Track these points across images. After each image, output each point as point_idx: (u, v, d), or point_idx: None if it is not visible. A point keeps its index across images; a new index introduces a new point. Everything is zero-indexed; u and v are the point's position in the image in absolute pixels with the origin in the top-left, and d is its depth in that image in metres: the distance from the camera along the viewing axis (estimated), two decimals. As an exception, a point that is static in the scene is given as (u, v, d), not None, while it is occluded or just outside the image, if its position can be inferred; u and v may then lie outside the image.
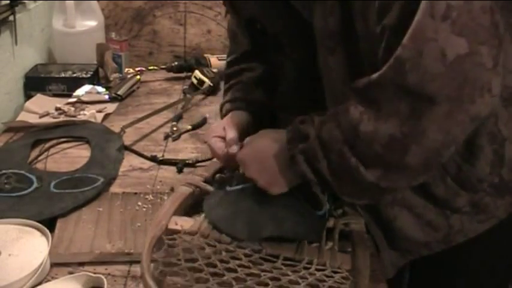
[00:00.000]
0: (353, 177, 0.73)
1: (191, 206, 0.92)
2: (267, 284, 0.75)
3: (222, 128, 0.96)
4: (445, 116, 0.66)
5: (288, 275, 0.77)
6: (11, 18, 1.39)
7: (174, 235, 0.82)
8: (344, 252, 0.83)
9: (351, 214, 0.91)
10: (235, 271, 0.77)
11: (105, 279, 0.80)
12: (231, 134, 0.94)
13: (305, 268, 0.79)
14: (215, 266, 0.77)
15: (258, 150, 0.84)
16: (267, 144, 0.83)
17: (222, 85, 1.60)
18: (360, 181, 0.73)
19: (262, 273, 0.77)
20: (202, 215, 0.88)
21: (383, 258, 0.92)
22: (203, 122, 1.38)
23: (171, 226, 0.84)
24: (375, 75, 0.70)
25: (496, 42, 0.66)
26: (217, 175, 0.98)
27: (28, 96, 1.48)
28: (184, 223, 0.85)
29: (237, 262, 0.78)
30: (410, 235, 0.90)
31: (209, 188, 0.94)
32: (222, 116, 1.03)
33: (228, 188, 0.89)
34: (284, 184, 0.82)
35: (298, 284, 0.75)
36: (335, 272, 0.79)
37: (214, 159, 1.03)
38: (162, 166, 1.16)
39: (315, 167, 0.75)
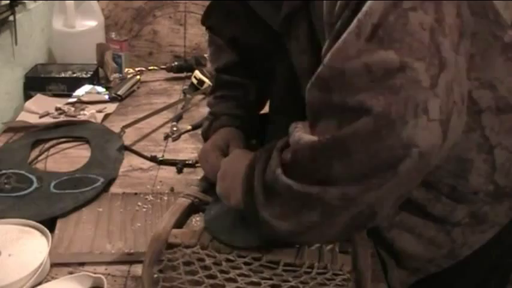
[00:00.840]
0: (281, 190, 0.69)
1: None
2: None
3: (224, 145, 0.97)
4: (371, 137, 0.58)
5: (288, 281, 0.77)
6: (11, 18, 1.39)
7: (174, 248, 0.83)
8: (345, 252, 0.83)
9: None
10: (236, 281, 0.77)
11: (105, 279, 0.80)
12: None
13: (306, 273, 0.79)
14: (215, 277, 0.77)
15: (224, 173, 0.84)
16: (241, 155, 0.84)
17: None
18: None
19: (263, 281, 0.77)
20: (202, 226, 0.88)
21: (391, 278, 0.90)
22: (203, 122, 1.38)
23: (171, 240, 0.84)
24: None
25: (436, 62, 0.59)
26: None
27: (28, 96, 1.48)
28: (183, 236, 0.85)
29: (237, 272, 0.78)
30: (414, 254, 0.89)
31: (208, 198, 0.95)
32: (213, 123, 1.04)
33: None
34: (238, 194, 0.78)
35: None
36: (336, 275, 0.79)
37: None
38: (162, 166, 1.16)
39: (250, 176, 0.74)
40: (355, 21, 0.60)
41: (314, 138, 0.63)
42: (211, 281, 0.77)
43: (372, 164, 0.59)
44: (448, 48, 0.60)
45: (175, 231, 0.86)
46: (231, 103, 1.04)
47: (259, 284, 0.76)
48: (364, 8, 0.60)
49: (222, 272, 0.78)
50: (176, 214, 0.90)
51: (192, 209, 0.94)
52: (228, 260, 0.81)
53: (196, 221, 0.93)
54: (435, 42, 0.59)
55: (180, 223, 0.91)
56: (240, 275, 0.78)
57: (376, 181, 0.60)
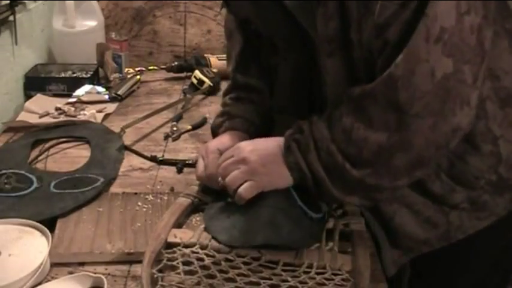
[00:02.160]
0: (340, 173, 0.78)
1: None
2: None
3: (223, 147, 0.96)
4: (430, 129, 0.74)
5: (287, 281, 0.77)
6: (11, 18, 1.39)
7: (174, 248, 0.83)
8: (344, 252, 0.83)
9: (351, 214, 0.91)
10: (235, 281, 0.77)
11: (105, 279, 0.80)
12: None
13: (305, 272, 0.79)
14: (214, 277, 0.78)
15: (259, 148, 0.85)
16: (268, 143, 0.86)
17: (222, 85, 1.62)
18: (346, 177, 0.78)
19: (262, 281, 0.77)
20: (201, 226, 0.88)
21: (384, 257, 0.92)
22: (203, 122, 1.38)
23: (170, 239, 0.84)
24: (368, 86, 0.75)
25: (479, 60, 0.73)
26: None
27: (28, 96, 1.48)
28: (183, 235, 0.85)
29: (236, 271, 0.78)
30: (410, 232, 0.91)
31: (208, 198, 0.95)
32: (226, 122, 1.03)
33: (229, 199, 0.89)
34: (286, 176, 0.83)
35: None
36: (335, 275, 0.79)
37: None
38: (162, 166, 1.16)
39: (307, 158, 0.80)
40: (423, 23, 0.70)
41: (382, 137, 0.75)
42: (210, 281, 0.77)
43: (429, 149, 0.76)
44: (489, 38, 0.74)
45: (174, 230, 0.86)
46: (249, 106, 1.04)
47: (258, 283, 0.77)
48: (430, 11, 0.70)
49: (221, 271, 0.78)
50: (176, 214, 0.90)
51: (192, 208, 0.94)
52: (227, 260, 0.81)
53: (197, 221, 0.93)
54: (480, 42, 0.73)
55: (179, 223, 0.91)
56: (239, 274, 0.78)
57: (429, 158, 0.77)
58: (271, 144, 0.85)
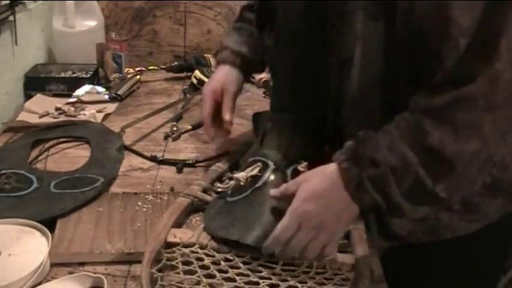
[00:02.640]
0: (427, 197, 0.73)
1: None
2: None
3: (220, 89, 1.04)
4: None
5: (287, 281, 0.77)
6: (11, 18, 1.39)
7: (173, 248, 0.83)
8: (344, 252, 0.83)
9: None
10: (234, 280, 0.77)
11: (105, 279, 0.80)
12: (228, 102, 1.05)
13: (304, 272, 0.79)
14: (214, 277, 0.78)
15: (314, 190, 0.77)
16: (320, 181, 0.78)
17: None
18: (430, 197, 0.73)
19: (261, 281, 0.77)
20: (201, 226, 0.88)
21: (373, 241, 0.90)
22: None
23: (170, 239, 0.84)
24: (462, 91, 0.69)
25: None
26: (216, 184, 0.99)
27: (28, 96, 1.48)
28: (182, 235, 0.85)
29: (236, 271, 0.78)
30: (397, 221, 0.89)
31: (207, 197, 0.95)
32: (218, 53, 1.08)
33: (229, 199, 0.90)
34: (353, 213, 0.77)
35: None
36: (335, 274, 0.79)
37: (213, 167, 1.04)
38: (162, 166, 1.16)
39: (385, 192, 0.73)
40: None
41: (478, 145, 0.70)
42: (210, 280, 0.77)
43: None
44: None
45: (174, 230, 0.86)
46: (241, 37, 1.07)
47: (257, 283, 0.77)
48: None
49: (220, 271, 0.79)
50: (175, 214, 0.90)
51: (192, 208, 0.94)
52: (226, 260, 0.81)
53: (196, 221, 0.93)
54: None
55: (179, 223, 0.91)
56: (238, 274, 0.78)
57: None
58: (333, 188, 0.76)
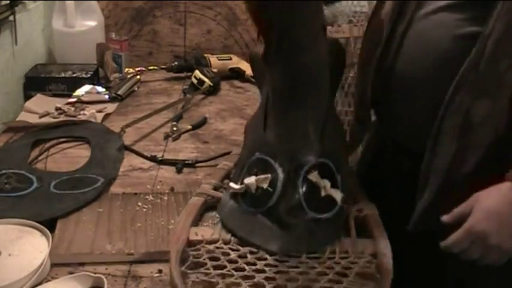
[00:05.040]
0: None
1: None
2: (297, 280, 0.76)
3: None
4: None
5: (315, 267, 0.79)
6: (11, 18, 1.39)
7: (198, 246, 0.83)
8: (362, 237, 0.85)
9: (362, 199, 0.93)
10: (264, 271, 0.78)
11: (105, 279, 0.80)
12: None
13: (329, 258, 0.81)
14: (243, 270, 0.78)
15: (488, 211, 0.79)
16: (494, 201, 0.79)
17: (222, 85, 1.62)
18: None
19: (290, 270, 0.78)
20: (219, 224, 0.89)
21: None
22: (203, 122, 1.38)
23: (193, 237, 0.84)
24: None
25: None
26: (226, 181, 0.98)
27: (28, 96, 1.48)
28: (204, 232, 0.86)
29: (264, 262, 0.79)
30: None
31: (220, 194, 0.95)
32: None
33: (244, 206, 0.88)
34: None
35: (327, 274, 0.77)
36: (359, 258, 0.81)
37: (220, 166, 1.03)
38: (162, 166, 1.16)
39: None
40: None
41: None
42: (241, 273, 0.77)
43: None
44: None
45: (194, 229, 0.87)
46: None
47: (287, 272, 0.78)
48: None
49: (248, 264, 0.79)
50: (192, 213, 0.90)
51: (206, 206, 0.94)
52: (251, 252, 0.81)
53: (213, 218, 0.93)
54: None
55: (196, 222, 0.91)
56: (266, 265, 0.79)
57: None
58: (508, 208, 0.78)
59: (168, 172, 1.14)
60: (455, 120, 0.82)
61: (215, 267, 0.78)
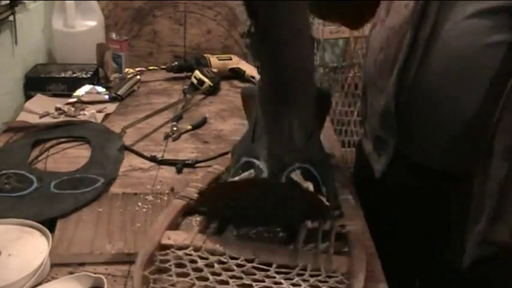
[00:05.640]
0: None
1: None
2: None
3: None
4: None
5: (280, 284, 0.76)
6: (11, 18, 1.39)
7: (167, 250, 0.82)
8: (340, 254, 0.83)
9: (349, 215, 0.90)
10: (227, 283, 0.76)
11: (105, 279, 0.80)
12: None
13: (298, 275, 0.78)
14: (207, 279, 0.77)
15: None
16: None
17: (222, 85, 1.62)
18: None
19: (255, 284, 0.76)
20: (196, 228, 0.88)
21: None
22: (203, 122, 1.38)
23: (164, 241, 0.84)
24: None
25: None
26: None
27: (28, 96, 1.48)
28: (177, 237, 0.85)
29: (229, 274, 0.77)
30: None
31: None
32: None
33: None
34: None
35: None
36: (329, 277, 0.78)
37: (210, 169, 1.03)
38: (162, 166, 1.16)
39: None
40: None
41: None
42: (203, 283, 0.76)
43: None
44: None
45: (168, 232, 0.86)
46: None
47: (250, 286, 0.76)
48: None
49: (213, 274, 0.78)
50: (170, 215, 0.89)
51: (187, 210, 0.94)
52: (220, 262, 0.80)
53: (196, 221, 0.93)
54: None
55: (176, 224, 0.90)
56: (231, 277, 0.77)
57: None
58: None
59: (168, 172, 1.14)
60: (504, 139, 0.79)
61: (178, 275, 0.78)
